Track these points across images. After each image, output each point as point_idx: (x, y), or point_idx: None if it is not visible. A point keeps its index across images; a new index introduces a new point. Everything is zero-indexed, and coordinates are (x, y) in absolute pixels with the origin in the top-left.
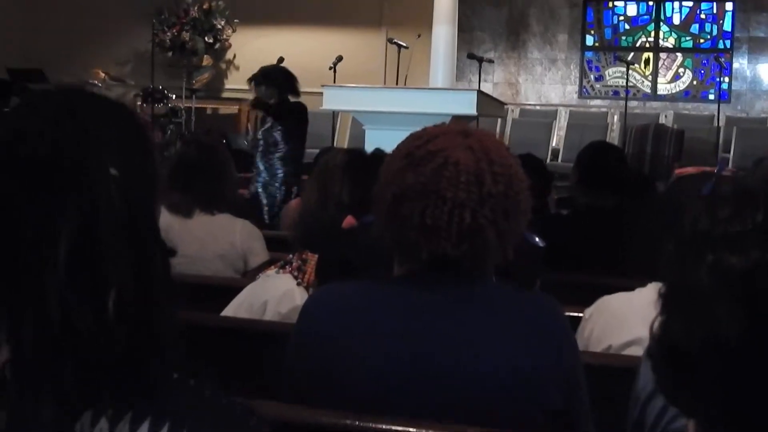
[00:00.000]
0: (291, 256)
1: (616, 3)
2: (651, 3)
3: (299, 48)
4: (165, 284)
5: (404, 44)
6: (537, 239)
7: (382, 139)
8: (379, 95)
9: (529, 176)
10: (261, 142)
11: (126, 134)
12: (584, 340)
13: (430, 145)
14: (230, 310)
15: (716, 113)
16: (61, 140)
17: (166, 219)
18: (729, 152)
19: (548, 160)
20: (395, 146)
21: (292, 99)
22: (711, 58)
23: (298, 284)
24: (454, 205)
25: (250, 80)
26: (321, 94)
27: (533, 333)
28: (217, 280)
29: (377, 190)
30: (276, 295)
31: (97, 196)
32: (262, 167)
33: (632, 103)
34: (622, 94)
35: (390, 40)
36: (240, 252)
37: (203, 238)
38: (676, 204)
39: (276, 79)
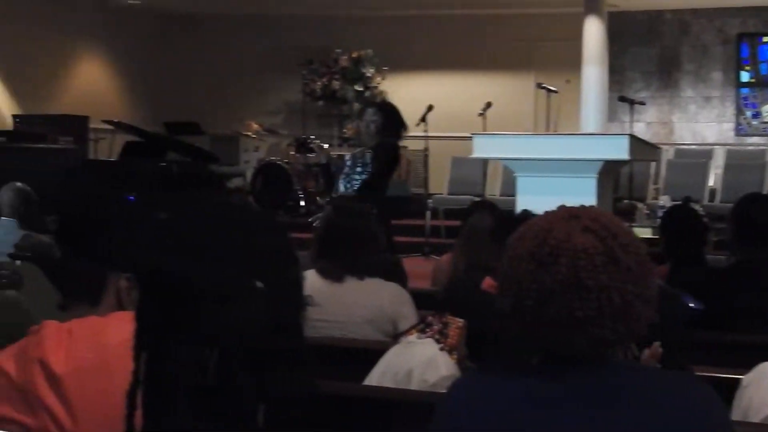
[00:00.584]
0: (430, 317)
1: None
2: None
3: (448, 94)
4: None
5: (553, 89)
6: (693, 303)
7: (534, 186)
8: (529, 142)
9: (683, 226)
10: (348, 164)
11: (271, 244)
12: (742, 409)
13: (550, 239)
14: (374, 378)
15: None
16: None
17: (316, 283)
18: None
19: (706, 201)
20: (509, 244)
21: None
22: None
23: (441, 349)
24: (601, 290)
25: (365, 107)
26: (470, 139)
27: (691, 425)
28: (364, 344)
29: (508, 301)
30: (420, 362)
31: (241, 314)
32: (342, 189)
33: None
34: None
35: (539, 85)
36: (389, 316)
37: (352, 303)
38: None
39: (391, 115)
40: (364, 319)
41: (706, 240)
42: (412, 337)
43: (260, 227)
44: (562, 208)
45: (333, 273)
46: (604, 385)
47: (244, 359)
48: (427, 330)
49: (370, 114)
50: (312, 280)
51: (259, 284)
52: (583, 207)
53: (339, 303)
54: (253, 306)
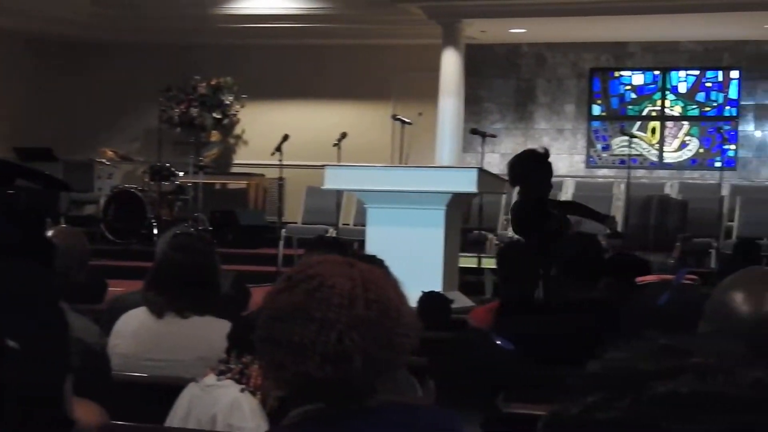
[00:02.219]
0: (225, 355)
1: (622, 73)
2: (657, 72)
3: (306, 123)
4: None
5: (407, 120)
6: (502, 342)
7: (385, 217)
8: (381, 174)
9: (514, 265)
10: None
11: (29, 306)
12: None
13: (311, 270)
14: (176, 421)
15: (720, 182)
16: None
17: (145, 320)
18: (733, 221)
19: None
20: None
21: None
22: (717, 126)
23: (242, 390)
24: (322, 325)
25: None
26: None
27: None
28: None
29: (257, 314)
30: (224, 407)
31: None
32: None
33: (639, 172)
34: (631, 164)
35: (393, 117)
36: (219, 354)
37: (183, 342)
38: (635, 316)
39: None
40: (195, 358)
41: (538, 277)
42: (210, 378)
43: (22, 288)
44: (347, 259)
45: (162, 310)
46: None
47: None
48: (226, 371)
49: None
50: (142, 318)
51: (12, 344)
52: (368, 264)
53: (169, 341)
54: (6, 366)
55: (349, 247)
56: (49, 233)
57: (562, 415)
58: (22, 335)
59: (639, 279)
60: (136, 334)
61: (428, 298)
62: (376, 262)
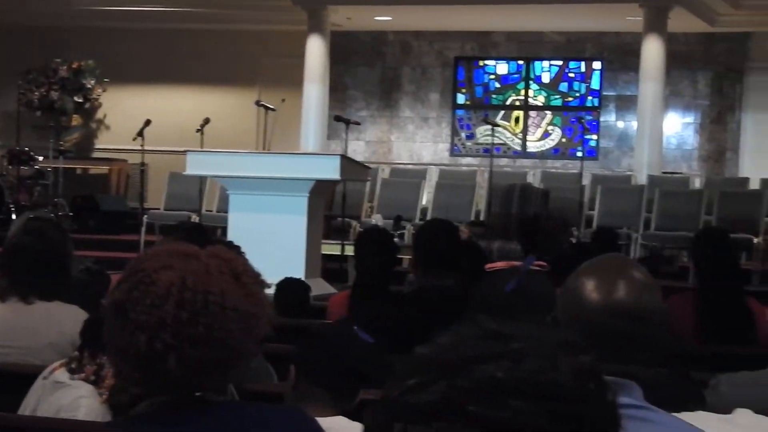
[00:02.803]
0: (76, 352)
1: (487, 62)
2: (521, 62)
3: (169, 108)
4: None
5: (271, 107)
6: (364, 335)
7: (247, 204)
8: (243, 160)
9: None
10: None
11: None
12: None
13: (143, 263)
14: (27, 413)
15: (581, 171)
16: None
17: None
18: (593, 210)
19: (417, 220)
20: None
21: None
22: (578, 116)
23: (99, 394)
24: (136, 326)
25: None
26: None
27: None
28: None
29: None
30: (65, 406)
31: None
32: None
33: (503, 161)
34: (494, 153)
35: (257, 103)
36: (71, 340)
37: (34, 328)
38: (481, 302)
39: None
40: (46, 344)
41: (394, 264)
42: (60, 374)
43: None
44: (195, 250)
45: (13, 295)
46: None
47: None
48: (78, 370)
49: None
50: None
51: None
52: (219, 251)
53: (20, 327)
54: None
55: (211, 234)
56: None
57: (384, 398)
58: None
59: (488, 266)
60: None
61: (286, 284)
62: (233, 249)
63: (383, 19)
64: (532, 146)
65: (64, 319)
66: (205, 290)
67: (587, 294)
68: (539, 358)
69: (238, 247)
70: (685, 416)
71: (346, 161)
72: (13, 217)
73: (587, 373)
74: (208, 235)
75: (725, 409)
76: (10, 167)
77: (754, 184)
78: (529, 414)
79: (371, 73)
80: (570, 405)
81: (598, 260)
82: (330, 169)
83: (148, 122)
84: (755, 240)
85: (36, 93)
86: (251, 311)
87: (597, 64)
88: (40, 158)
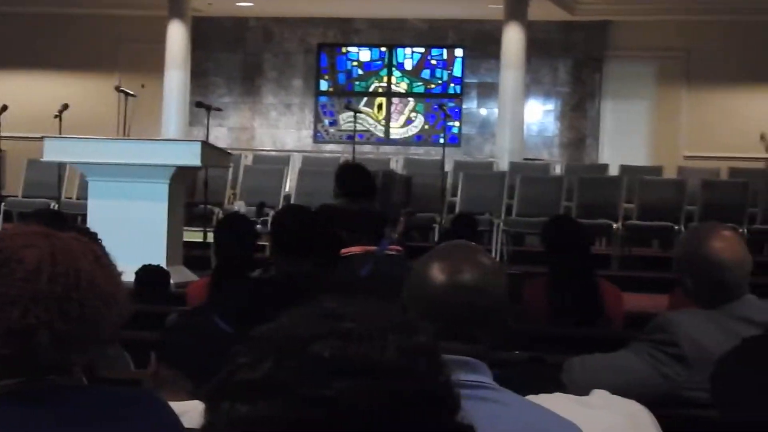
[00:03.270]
0: None
1: (349, 49)
2: (383, 49)
3: (26, 93)
4: None
5: (131, 92)
6: (221, 324)
7: (107, 190)
8: (102, 146)
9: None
10: None
11: None
12: None
13: (6, 242)
14: None
15: (443, 158)
16: None
17: None
18: (456, 196)
19: (280, 206)
20: None
21: None
22: (440, 103)
23: None
24: (5, 301)
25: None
26: None
27: None
28: None
29: None
30: None
31: None
32: None
33: (366, 148)
34: (357, 139)
35: (117, 89)
36: None
37: None
38: (337, 285)
39: None
40: None
41: (254, 247)
42: None
43: None
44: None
45: None
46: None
47: None
48: None
49: None
50: None
51: None
52: (72, 235)
53: None
54: None
55: (70, 221)
56: None
57: (217, 377)
58: None
59: (344, 251)
60: None
61: (145, 271)
62: (89, 235)
63: (245, 5)
64: (395, 133)
65: None
66: (76, 267)
67: (433, 274)
68: (368, 337)
69: (94, 234)
70: (542, 398)
71: (208, 148)
72: None
73: (419, 352)
74: (66, 222)
75: (581, 391)
76: None
77: (614, 171)
78: (351, 393)
79: (233, 58)
80: (395, 383)
81: (446, 245)
82: (191, 156)
83: (4, 107)
84: (614, 225)
85: None
86: (113, 292)
87: (459, 52)
88: None
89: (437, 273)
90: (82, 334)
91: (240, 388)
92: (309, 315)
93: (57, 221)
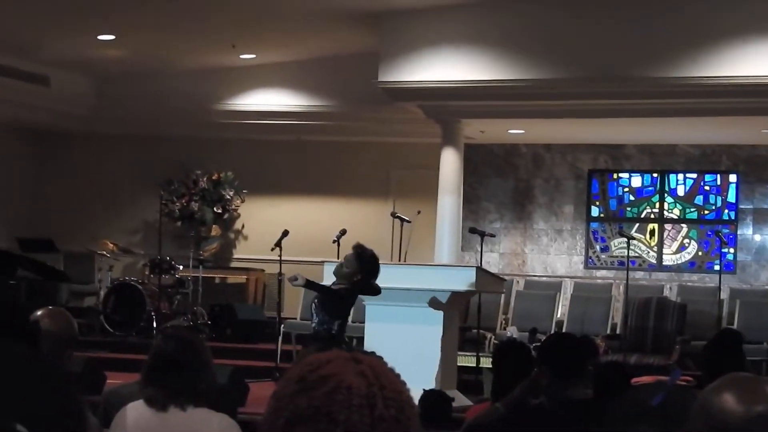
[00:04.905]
0: None
1: (621, 175)
2: (655, 175)
3: (305, 219)
4: None
5: (407, 218)
6: None
7: (383, 314)
8: (381, 271)
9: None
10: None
11: (40, 388)
12: None
13: (322, 370)
14: None
15: (720, 285)
16: None
17: (144, 413)
18: (733, 324)
19: (552, 332)
20: (287, 370)
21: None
22: (715, 230)
23: None
24: (347, 428)
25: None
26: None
27: None
28: None
29: (268, 416)
30: None
31: None
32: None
33: (638, 274)
34: (629, 266)
35: (393, 215)
36: None
37: None
38: (626, 414)
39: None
40: None
41: (528, 373)
42: None
43: (33, 375)
44: (352, 353)
45: (159, 402)
46: None
47: None
48: None
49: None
50: (141, 410)
51: (20, 428)
52: (372, 355)
53: None
54: None
55: (346, 343)
56: (37, 314)
57: None
58: (33, 418)
59: (634, 380)
60: (135, 426)
61: (430, 395)
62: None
63: (516, 132)
64: (668, 259)
65: (212, 426)
66: (398, 389)
67: (727, 404)
68: None
69: (381, 358)
70: None
71: (482, 273)
72: (154, 324)
73: None
74: (342, 344)
75: None
76: (152, 276)
77: None
78: None
79: (504, 184)
80: None
81: (731, 376)
82: (466, 281)
83: (285, 233)
84: None
85: (177, 203)
86: (416, 414)
87: (733, 177)
88: (181, 267)
89: (732, 403)
90: None
91: None
92: None
93: (332, 343)
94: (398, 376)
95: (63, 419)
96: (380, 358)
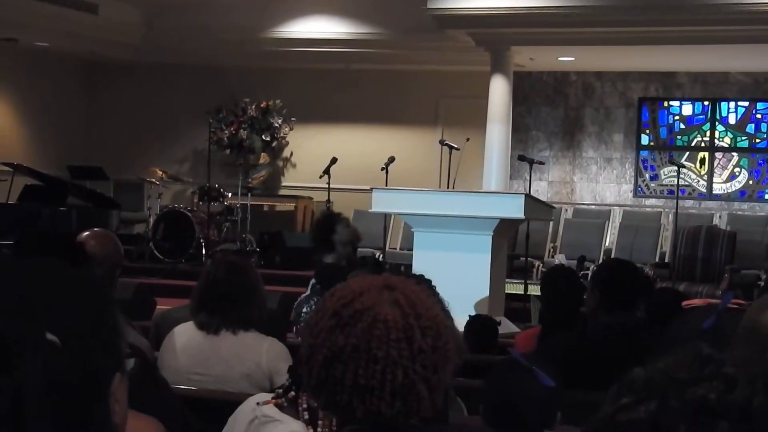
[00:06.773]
0: (292, 393)
1: (671, 103)
2: (706, 103)
3: (354, 147)
4: None
5: (455, 146)
6: (545, 378)
7: (431, 241)
8: (428, 198)
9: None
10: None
11: (74, 301)
12: None
13: (357, 303)
14: None
15: None
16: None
17: (195, 336)
18: None
19: (600, 261)
20: (320, 302)
21: None
22: (766, 158)
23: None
24: (387, 364)
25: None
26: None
27: None
28: (240, 398)
29: (306, 351)
30: None
31: (26, 373)
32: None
33: (688, 203)
34: (679, 194)
35: (441, 142)
36: (266, 372)
37: (230, 358)
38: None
39: None
40: (242, 374)
41: (581, 302)
42: (270, 408)
43: (62, 283)
44: (383, 276)
45: (211, 326)
46: None
47: (36, 412)
48: (290, 407)
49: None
50: (190, 333)
51: (51, 337)
52: (403, 280)
53: (216, 357)
54: (41, 359)
55: (395, 270)
56: (82, 236)
57: (599, 415)
58: (65, 330)
59: (685, 303)
60: (185, 349)
61: (476, 321)
62: (423, 282)
63: (566, 59)
64: (718, 188)
65: (264, 350)
66: (434, 317)
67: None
68: (750, 383)
69: (429, 281)
70: None
71: (530, 200)
72: (203, 251)
73: None
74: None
75: None
76: (201, 203)
77: None
78: None
79: (554, 113)
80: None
81: None
82: (514, 208)
83: (334, 160)
84: None
85: (226, 131)
86: (456, 339)
87: None
88: (229, 195)
89: None
90: (446, 379)
91: (624, 427)
92: (688, 359)
93: (381, 270)
94: (429, 296)
95: (97, 332)
96: (429, 281)
